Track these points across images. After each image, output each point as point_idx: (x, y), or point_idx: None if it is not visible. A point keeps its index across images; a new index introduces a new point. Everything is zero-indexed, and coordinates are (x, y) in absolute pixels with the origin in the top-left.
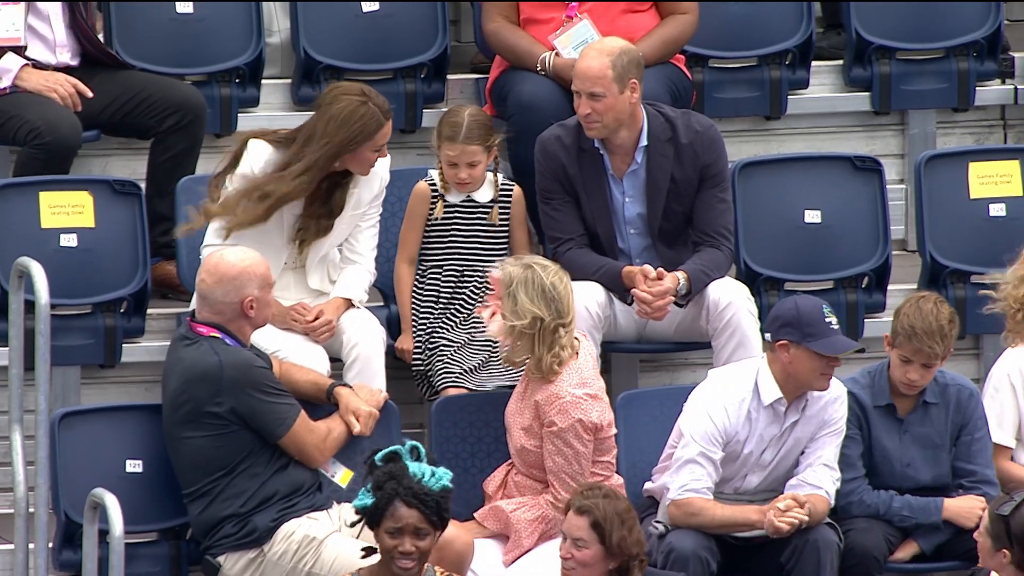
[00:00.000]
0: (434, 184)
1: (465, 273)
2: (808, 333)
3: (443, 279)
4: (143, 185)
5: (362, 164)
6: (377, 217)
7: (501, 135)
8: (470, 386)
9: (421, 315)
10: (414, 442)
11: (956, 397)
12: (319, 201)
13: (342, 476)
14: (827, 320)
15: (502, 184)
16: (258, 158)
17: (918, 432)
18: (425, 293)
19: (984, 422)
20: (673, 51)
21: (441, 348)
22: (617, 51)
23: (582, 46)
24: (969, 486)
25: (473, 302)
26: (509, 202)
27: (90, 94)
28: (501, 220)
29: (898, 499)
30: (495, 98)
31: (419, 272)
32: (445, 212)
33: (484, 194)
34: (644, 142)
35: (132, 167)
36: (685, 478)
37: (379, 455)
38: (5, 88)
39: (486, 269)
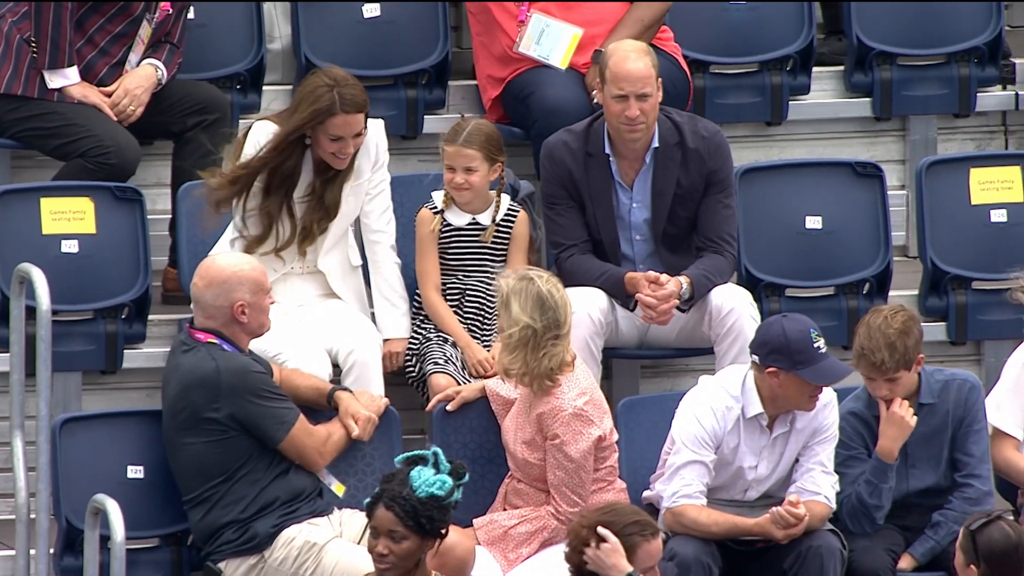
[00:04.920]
0: (434, 207)
1: (467, 294)
2: (798, 361)
3: (446, 300)
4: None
5: (324, 152)
6: (384, 185)
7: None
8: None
9: (418, 331)
10: (436, 448)
11: (957, 392)
12: (314, 203)
13: (336, 487)
14: (815, 345)
15: (509, 207)
16: (264, 133)
17: (920, 433)
18: (424, 314)
19: (984, 415)
20: (653, 32)
21: (433, 351)
22: (648, 50)
23: (543, 36)
24: (960, 481)
25: (474, 326)
26: (511, 223)
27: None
28: (495, 240)
29: (861, 486)
30: (510, 101)
31: (419, 294)
32: (452, 235)
33: (488, 217)
34: (656, 144)
35: (158, 173)
36: (677, 485)
37: (399, 457)
38: (54, 91)
39: (487, 291)
